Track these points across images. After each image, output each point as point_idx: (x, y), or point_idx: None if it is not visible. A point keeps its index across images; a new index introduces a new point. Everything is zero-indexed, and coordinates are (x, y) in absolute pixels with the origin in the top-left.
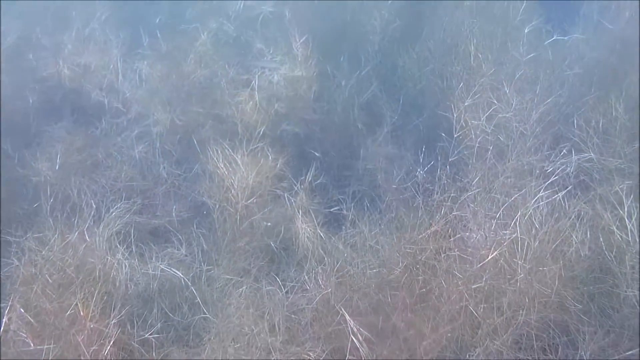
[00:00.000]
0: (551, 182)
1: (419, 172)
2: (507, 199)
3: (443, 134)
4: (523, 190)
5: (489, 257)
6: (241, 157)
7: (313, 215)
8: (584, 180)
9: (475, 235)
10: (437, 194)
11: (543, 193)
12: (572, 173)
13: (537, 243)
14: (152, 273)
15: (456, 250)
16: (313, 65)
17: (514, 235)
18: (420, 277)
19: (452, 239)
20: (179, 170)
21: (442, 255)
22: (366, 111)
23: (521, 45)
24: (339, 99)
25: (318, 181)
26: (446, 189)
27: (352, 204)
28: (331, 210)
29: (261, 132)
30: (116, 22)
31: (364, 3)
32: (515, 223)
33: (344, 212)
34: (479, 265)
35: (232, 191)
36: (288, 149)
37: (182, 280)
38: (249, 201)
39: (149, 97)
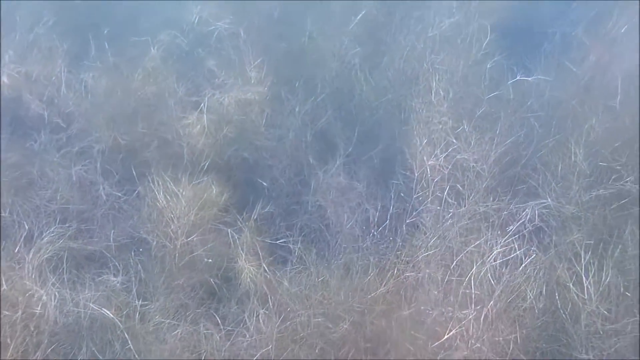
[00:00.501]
0: (507, 228)
1: (373, 232)
2: (462, 246)
3: (398, 171)
4: (478, 243)
5: (445, 337)
6: (183, 190)
7: (258, 250)
8: (541, 227)
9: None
10: (390, 253)
11: (498, 246)
12: (528, 220)
13: (491, 302)
14: (83, 311)
15: (409, 321)
16: (267, 88)
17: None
18: (368, 335)
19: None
20: (120, 191)
21: (393, 317)
22: (319, 139)
23: (482, 81)
24: (292, 125)
25: (265, 209)
26: (399, 246)
27: (300, 238)
28: (277, 242)
29: (208, 157)
30: (63, 28)
31: (324, 27)
32: (469, 279)
33: (291, 245)
34: (435, 344)
35: (172, 226)
36: (235, 176)
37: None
38: (189, 238)
39: (92, 112)
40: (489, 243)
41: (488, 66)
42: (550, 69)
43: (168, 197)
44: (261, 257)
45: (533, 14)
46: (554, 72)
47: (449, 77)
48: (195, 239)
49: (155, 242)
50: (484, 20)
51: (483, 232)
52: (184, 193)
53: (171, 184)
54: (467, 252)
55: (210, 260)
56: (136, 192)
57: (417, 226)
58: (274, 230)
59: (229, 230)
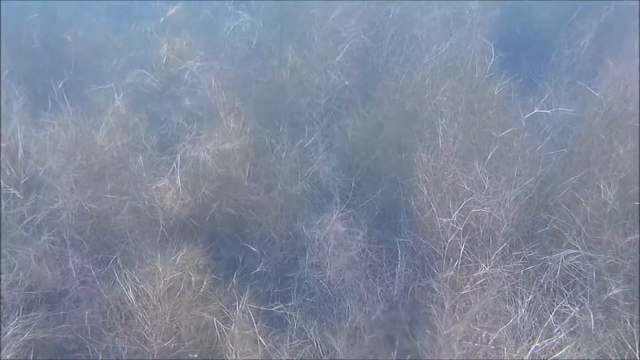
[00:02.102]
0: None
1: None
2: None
3: (404, 227)
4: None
5: None
6: (158, 294)
7: (253, 322)
8: (573, 280)
9: None
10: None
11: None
12: (556, 273)
13: None
14: None
15: None
16: (247, 136)
17: None
18: None
19: None
20: (91, 263)
21: None
22: (312, 188)
23: (491, 111)
24: (280, 174)
25: (257, 269)
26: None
27: (298, 302)
28: (273, 309)
29: (186, 222)
30: (18, 79)
31: (306, 61)
32: None
33: (289, 313)
34: None
35: (146, 327)
36: (220, 237)
37: None
38: (167, 342)
39: (53, 177)
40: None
41: (496, 92)
42: (562, 88)
43: (139, 292)
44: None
45: (538, 25)
46: (569, 94)
47: (453, 110)
48: (175, 339)
49: (126, 350)
50: (486, 38)
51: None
52: (157, 295)
53: (145, 289)
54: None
55: (195, 356)
56: (109, 264)
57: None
58: (268, 291)
59: (214, 319)
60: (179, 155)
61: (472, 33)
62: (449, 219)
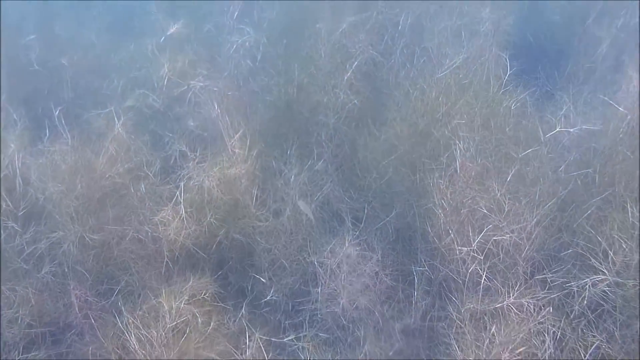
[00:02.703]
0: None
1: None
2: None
3: (422, 257)
4: None
5: None
6: (161, 339)
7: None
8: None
9: None
10: None
11: None
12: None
13: None
14: None
15: None
16: (253, 159)
17: None
18: None
19: None
20: (94, 296)
21: None
22: (322, 214)
23: (508, 127)
24: (288, 198)
25: (267, 298)
26: None
27: (310, 332)
28: (284, 339)
29: (191, 252)
30: (17, 103)
31: (313, 78)
32: None
33: (301, 344)
34: None
35: None
36: (228, 265)
37: None
38: None
39: (53, 206)
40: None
41: (512, 107)
42: (580, 100)
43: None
44: None
45: (550, 31)
46: (588, 107)
47: (469, 128)
48: None
49: None
50: (499, 49)
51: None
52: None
53: (147, 334)
54: None
55: None
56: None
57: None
58: (279, 320)
59: None
60: (182, 184)
61: (486, 44)
62: (469, 248)
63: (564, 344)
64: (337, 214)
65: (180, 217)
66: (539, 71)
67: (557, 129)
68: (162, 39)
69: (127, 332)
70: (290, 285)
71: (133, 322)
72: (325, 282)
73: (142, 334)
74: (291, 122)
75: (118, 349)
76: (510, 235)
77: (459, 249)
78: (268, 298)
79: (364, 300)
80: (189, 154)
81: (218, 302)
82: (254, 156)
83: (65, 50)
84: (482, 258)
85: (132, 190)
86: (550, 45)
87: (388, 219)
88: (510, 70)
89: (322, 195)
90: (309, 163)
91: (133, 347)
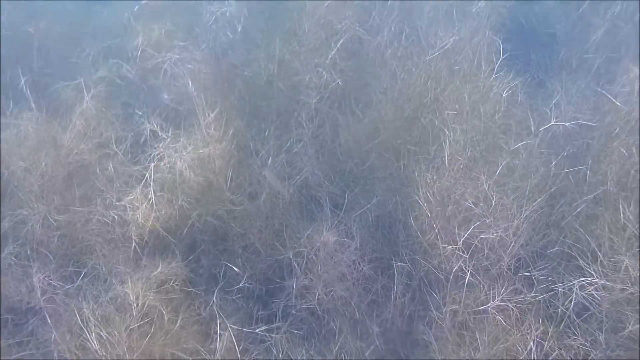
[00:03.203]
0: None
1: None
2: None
3: (403, 250)
4: None
5: None
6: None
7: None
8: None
9: None
10: None
11: None
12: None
13: None
14: None
15: None
16: (229, 139)
17: None
18: None
19: None
20: (58, 279)
21: None
22: (300, 198)
23: (497, 115)
24: (265, 181)
25: (240, 285)
26: None
27: (284, 323)
28: (257, 331)
29: (160, 237)
30: None
31: (296, 55)
32: None
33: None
34: None
35: None
36: (200, 250)
37: None
38: None
39: (17, 183)
40: None
41: (504, 95)
42: (573, 89)
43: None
44: None
45: (544, 15)
46: (582, 96)
47: (458, 116)
48: None
49: None
50: (492, 32)
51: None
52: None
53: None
54: None
55: None
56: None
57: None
58: (251, 308)
59: None
60: (152, 165)
61: (479, 26)
62: (454, 247)
63: (547, 347)
64: (316, 198)
65: (150, 200)
66: (530, 57)
67: (551, 123)
68: (136, 8)
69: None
70: (265, 272)
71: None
72: (301, 272)
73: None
74: (270, 100)
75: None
76: (497, 232)
77: (443, 247)
78: (241, 285)
79: (340, 290)
80: (160, 133)
81: (189, 288)
82: (230, 136)
83: (36, 15)
84: (467, 257)
85: (100, 170)
86: (543, 29)
87: (369, 206)
88: (502, 55)
89: (300, 179)
90: (288, 145)
91: (94, 346)
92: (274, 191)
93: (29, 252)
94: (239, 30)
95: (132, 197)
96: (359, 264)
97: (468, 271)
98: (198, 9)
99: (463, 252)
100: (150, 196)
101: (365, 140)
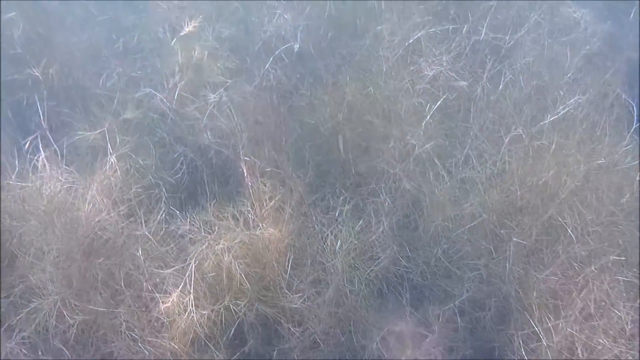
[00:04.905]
0: None
1: None
2: None
3: None
4: None
5: None
6: None
7: None
8: None
9: None
10: None
11: None
12: None
13: None
14: None
15: None
16: (288, 215)
17: None
18: None
19: None
20: None
21: None
22: (373, 288)
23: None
24: (333, 269)
25: None
26: None
27: None
28: None
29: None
30: None
31: (373, 99)
32: None
33: None
34: None
35: None
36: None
37: None
38: None
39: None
40: None
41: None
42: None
43: None
44: None
45: None
46: None
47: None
48: None
49: None
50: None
51: None
52: None
53: None
54: None
55: None
56: None
57: None
58: None
59: None
60: (193, 263)
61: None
62: None
63: None
64: (392, 285)
65: (187, 303)
66: None
67: None
68: (181, 33)
69: None
70: None
71: None
72: None
73: None
74: (340, 159)
75: None
76: None
77: None
78: None
79: None
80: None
81: None
82: (290, 208)
83: (52, 31)
84: None
85: (126, 245)
86: None
87: (457, 302)
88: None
89: (377, 267)
90: (360, 222)
91: None
92: (342, 281)
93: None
94: (296, 48)
95: (167, 304)
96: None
97: None
98: (248, 27)
99: None
100: (190, 300)
101: (458, 222)
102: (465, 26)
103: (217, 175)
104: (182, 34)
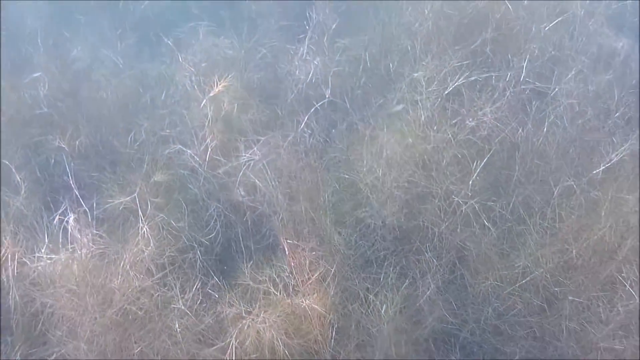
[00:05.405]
0: None
1: None
2: None
3: None
4: None
5: None
6: None
7: None
8: None
9: None
10: None
11: None
12: None
13: None
14: None
15: None
16: (330, 287)
17: None
18: None
19: None
20: None
21: None
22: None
23: None
24: (380, 335)
25: None
26: None
27: None
28: None
29: None
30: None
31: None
32: None
33: None
34: None
35: None
36: None
37: None
38: None
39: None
40: None
41: None
42: None
43: None
44: None
45: None
46: None
47: None
48: None
49: None
50: None
51: None
52: None
53: None
54: None
55: None
56: None
57: None
58: None
59: None
60: (233, 343)
61: None
62: None
63: None
64: (443, 346)
65: None
66: None
67: None
68: (217, 89)
69: None
70: None
71: None
72: None
73: None
74: (379, 218)
75: None
76: None
77: None
78: None
79: None
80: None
81: None
82: (332, 278)
83: (76, 86)
84: None
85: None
86: None
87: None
88: None
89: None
90: (406, 282)
91: None
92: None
93: None
94: (329, 106)
95: None
96: None
97: None
98: (277, 73)
99: None
100: None
101: (509, 280)
102: (509, 74)
103: (251, 232)
104: (211, 94)
